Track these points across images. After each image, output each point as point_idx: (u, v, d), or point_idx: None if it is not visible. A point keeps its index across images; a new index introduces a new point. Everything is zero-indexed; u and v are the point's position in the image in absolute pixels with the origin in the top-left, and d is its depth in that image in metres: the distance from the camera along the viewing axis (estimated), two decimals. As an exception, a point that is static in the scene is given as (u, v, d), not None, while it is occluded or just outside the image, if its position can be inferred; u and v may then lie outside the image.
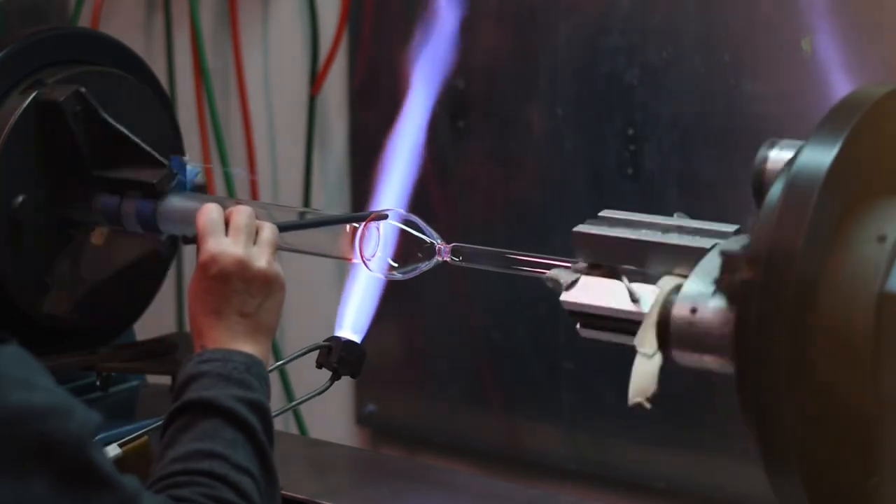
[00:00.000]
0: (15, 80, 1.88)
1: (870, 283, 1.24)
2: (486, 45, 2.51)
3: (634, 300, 1.41)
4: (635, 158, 2.36)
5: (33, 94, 1.86)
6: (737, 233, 1.42)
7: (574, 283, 1.47)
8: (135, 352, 2.01)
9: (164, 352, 1.99)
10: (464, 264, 1.65)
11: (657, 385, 1.33)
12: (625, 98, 2.35)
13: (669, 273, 1.40)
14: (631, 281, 1.42)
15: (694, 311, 1.32)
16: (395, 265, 1.66)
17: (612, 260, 1.46)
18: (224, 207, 1.57)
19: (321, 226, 1.69)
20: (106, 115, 1.88)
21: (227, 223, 1.53)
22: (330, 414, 2.77)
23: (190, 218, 1.60)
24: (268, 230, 1.54)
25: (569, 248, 1.51)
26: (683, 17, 2.28)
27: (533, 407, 2.56)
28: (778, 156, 1.37)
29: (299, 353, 1.67)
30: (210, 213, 1.53)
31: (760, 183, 1.37)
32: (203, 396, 1.40)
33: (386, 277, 1.66)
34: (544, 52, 2.44)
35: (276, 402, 1.55)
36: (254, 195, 2.84)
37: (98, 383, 1.98)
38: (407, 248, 1.66)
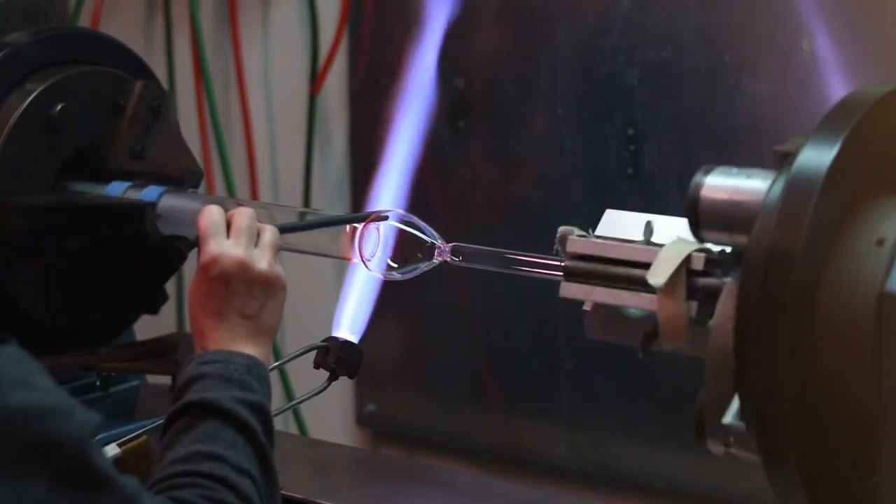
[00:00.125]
0: (15, 80, 1.88)
1: (870, 284, 1.24)
2: (486, 45, 2.51)
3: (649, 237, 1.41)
4: (635, 158, 2.36)
5: (32, 97, 1.86)
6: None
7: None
8: (135, 352, 2.00)
9: (164, 352, 1.99)
10: (464, 264, 1.65)
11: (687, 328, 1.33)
12: (625, 98, 2.35)
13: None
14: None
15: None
16: (395, 265, 1.66)
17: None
18: (224, 207, 1.57)
19: (321, 227, 1.70)
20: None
21: (228, 225, 1.53)
22: (330, 414, 2.77)
23: (190, 218, 1.60)
24: (269, 232, 1.54)
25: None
26: (683, 18, 2.28)
27: (533, 407, 2.56)
28: (714, 182, 1.35)
29: (297, 353, 1.67)
30: (212, 215, 1.53)
31: (695, 211, 1.35)
32: (204, 398, 1.40)
33: (386, 278, 1.66)
34: (544, 52, 2.44)
35: (276, 402, 1.55)
36: (254, 195, 2.84)
37: (98, 383, 1.98)
38: (407, 249, 1.66)
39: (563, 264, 1.49)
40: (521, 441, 2.59)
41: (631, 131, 2.35)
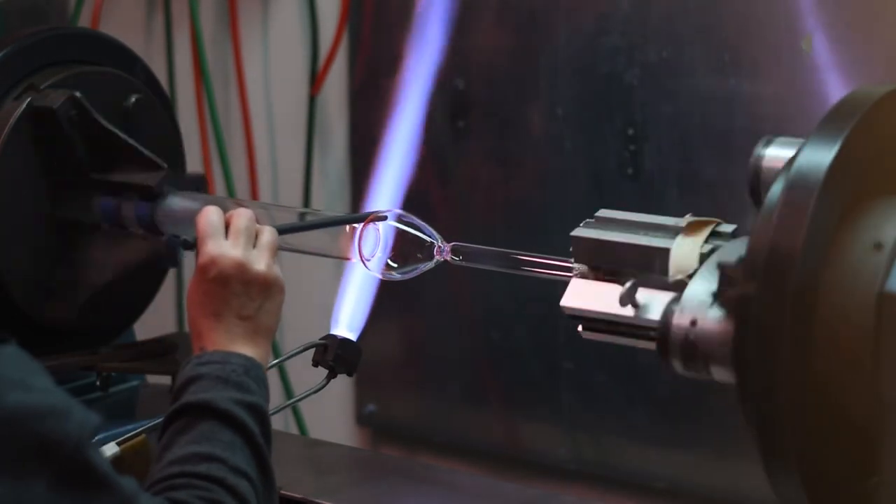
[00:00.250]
0: (14, 80, 1.88)
1: (869, 284, 1.24)
2: (486, 45, 2.51)
3: (635, 306, 1.40)
4: (635, 158, 2.35)
5: (30, 98, 1.86)
6: (734, 234, 1.42)
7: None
8: (135, 352, 2.01)
9: (164, 352, 1.99)
10: (464, 264, 1.65)
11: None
12: (625, 98, 2.35)
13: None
14: (633, 284, 1.42)
15: (694, 322, 1.32)
16: (395, 265, 1.66)
17: (612, 263, 1.46)
18: (223, 207, 1.56)
19: (321, 227, 1.70)
20: (101, 119, 1.88)
21: (227, 226, 1.53)
22: (330, 414, 2.77)
23: (189, 218, 1.60)
24: (267, 233, 1.54)
25: (569, 248, 1.51)
26: (683, 18, 2.28)
27: (533, 407, 2.56)
28: (774, 153, 1.37)
29: (295, 351, 1.67)
30: (210, 215, 1.53)
31: (757, 181, 1.37)
32: (201, 399, 1.40)
33: (385, 278, 1.66)
34: (544, 52, 2.44)
35: (275, 401, 1.55)
36: (254, 195, 2.84)
37: (98, 383, 1.98)
38: (406, 249, 1.66)
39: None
40: (521, 441, 2.59)
41: (631, 131, 2.35)
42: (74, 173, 1.89)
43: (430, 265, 1.66)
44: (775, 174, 1.32)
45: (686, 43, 2.28)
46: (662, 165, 2.33)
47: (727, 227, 1.43)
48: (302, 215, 1.81)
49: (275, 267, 1.52)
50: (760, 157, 1.38)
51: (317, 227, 1.70)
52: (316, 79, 2.74)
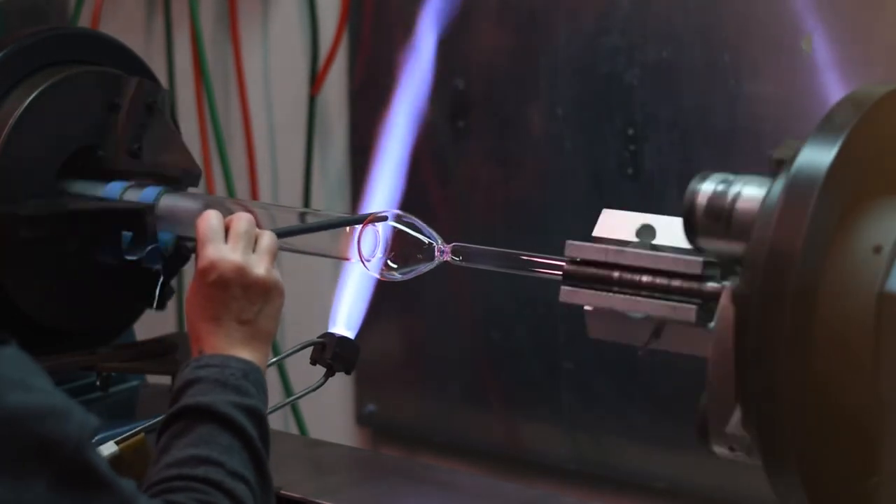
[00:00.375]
0: (15, 80, 1.88)
1: (869, 284, 1.24)
2: (486, 45, 2.51)
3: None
4: (635, 158, 2.36)
5: (32, 97, 1.86)
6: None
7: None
8: (135, 352, 2.01)
9: (164, 352, 1.99)
10: (464, 264, 1.65)
11: None
12: (625, 98, 2.35)
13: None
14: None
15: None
16: (395, 266, 1.66)
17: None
18: (224, 208, 1.57)
19: (320, 230, 1.69)
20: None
21: (227, 230, 1.53)
22: (330, 414, 2.77)
23: (189, 218, 1.60)
24: (267, 237, 1.54)
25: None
26: (683, 18, 2.28)
27: (533, 407, 2.56)
28: (708, 189, 1.35)
29: (293, 349, 1.67)
30: (210, 219, 1.53)
31: (692, 218, 1.35)
32: (200, 402, 1.40)
33: (385, 278, 1.66)
34: (544, 52, 2.44)
35: (275, 400, 1.55)
36: (254, 195, 2.84)
37: (98, 383, 1.98)
38: (406, 249, 1.66)
39: (563, 267, 1.49)
40: (521, 441, 2.59)
41: (631, 131, 2.35)
42: (75, 172, 1.89)
43: (430, 266, 1.66)
44: (710, 211, 1.32)
45: (686, 43, 2.28)
46: (662, 165, 2.33)
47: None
48: (302, 215, 1.81)
49: (274, 271, 1.52)
50: (695, 193, 1.36)
51: (316, 230, 1.70)
52: (316, 79, 2.74)
